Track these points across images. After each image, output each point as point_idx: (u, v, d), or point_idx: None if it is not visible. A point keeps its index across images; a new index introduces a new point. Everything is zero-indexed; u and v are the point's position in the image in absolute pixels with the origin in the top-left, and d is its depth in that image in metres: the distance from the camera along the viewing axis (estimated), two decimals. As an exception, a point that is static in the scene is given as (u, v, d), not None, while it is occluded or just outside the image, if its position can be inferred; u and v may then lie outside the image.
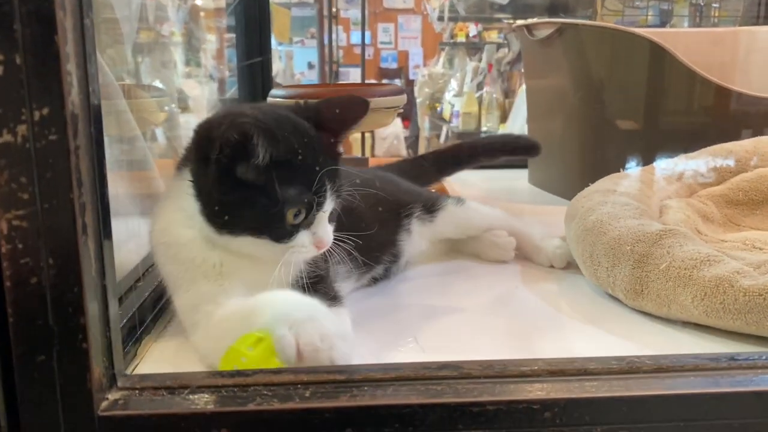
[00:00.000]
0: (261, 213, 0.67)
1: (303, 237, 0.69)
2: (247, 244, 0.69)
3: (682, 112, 1.39)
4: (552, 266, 1.05)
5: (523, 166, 1.77)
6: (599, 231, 0.92)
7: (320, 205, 0.69)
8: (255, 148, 0.63)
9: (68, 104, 0.45)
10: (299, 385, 0.52)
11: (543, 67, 1.61)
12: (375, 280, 0.97)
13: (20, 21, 0.43)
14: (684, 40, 1.47)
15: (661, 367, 0.55)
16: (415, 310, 0.89)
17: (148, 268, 0.88)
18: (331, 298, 0.75)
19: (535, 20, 1.55)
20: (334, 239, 0.74)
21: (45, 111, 0.45)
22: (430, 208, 1.03)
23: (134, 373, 0.69)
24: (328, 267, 0.77)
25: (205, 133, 0.69)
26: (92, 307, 0.48)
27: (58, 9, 0.43)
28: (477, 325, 0.85)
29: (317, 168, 0.67)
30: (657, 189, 1.16)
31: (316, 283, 0.74)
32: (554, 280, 1.00)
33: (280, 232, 0.68)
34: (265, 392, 0.51)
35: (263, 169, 0.65)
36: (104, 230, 0.49)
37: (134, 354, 0.73)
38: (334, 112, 0.74)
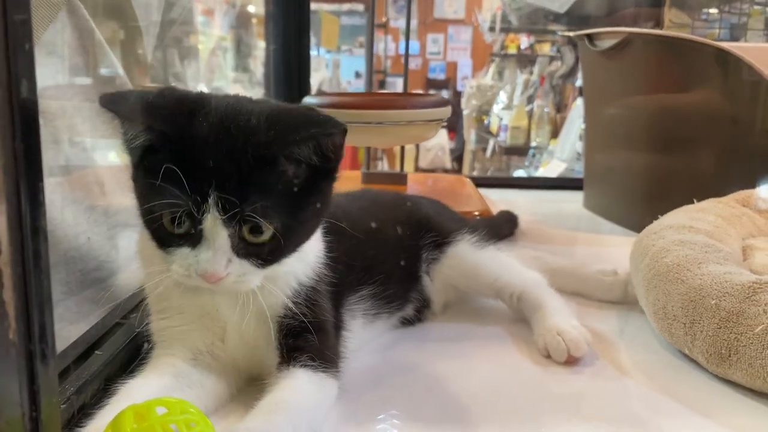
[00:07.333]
0: (145, 206, 0.56)
1: (181, 254, 0.55)
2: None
3: (765, 134, 1.22)
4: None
5: (579, 187, 1.61)
6: (675, 278, 0.77)
7: (198, 214, 0.52)
8: (120, 124, 0.55)
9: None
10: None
11: (605, 81, 1.46)
12: (409, 322, 0.84)
13: None
14: (758, 55, 1.30)
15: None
16: (454, 372, 0.75)
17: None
18: (327, 360, 0.61)
19: (598, 29, 1.39)
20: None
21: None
22: (441, 240, 0.85)
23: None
24: (328, 314, 0.63)
25: None
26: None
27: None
28: (532, 389, 0.70)
29: (209, 173, 0.52)
30: (738, 225, 1.00)
31: (306, 335, 0.61)
32: (615, 331, 0.85)
33: (162, 237, 0.56)
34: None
35: (155, 155, 0.54)
36: (36, 279, 0.37)
37: None
38: (277, 122, 0.55)
